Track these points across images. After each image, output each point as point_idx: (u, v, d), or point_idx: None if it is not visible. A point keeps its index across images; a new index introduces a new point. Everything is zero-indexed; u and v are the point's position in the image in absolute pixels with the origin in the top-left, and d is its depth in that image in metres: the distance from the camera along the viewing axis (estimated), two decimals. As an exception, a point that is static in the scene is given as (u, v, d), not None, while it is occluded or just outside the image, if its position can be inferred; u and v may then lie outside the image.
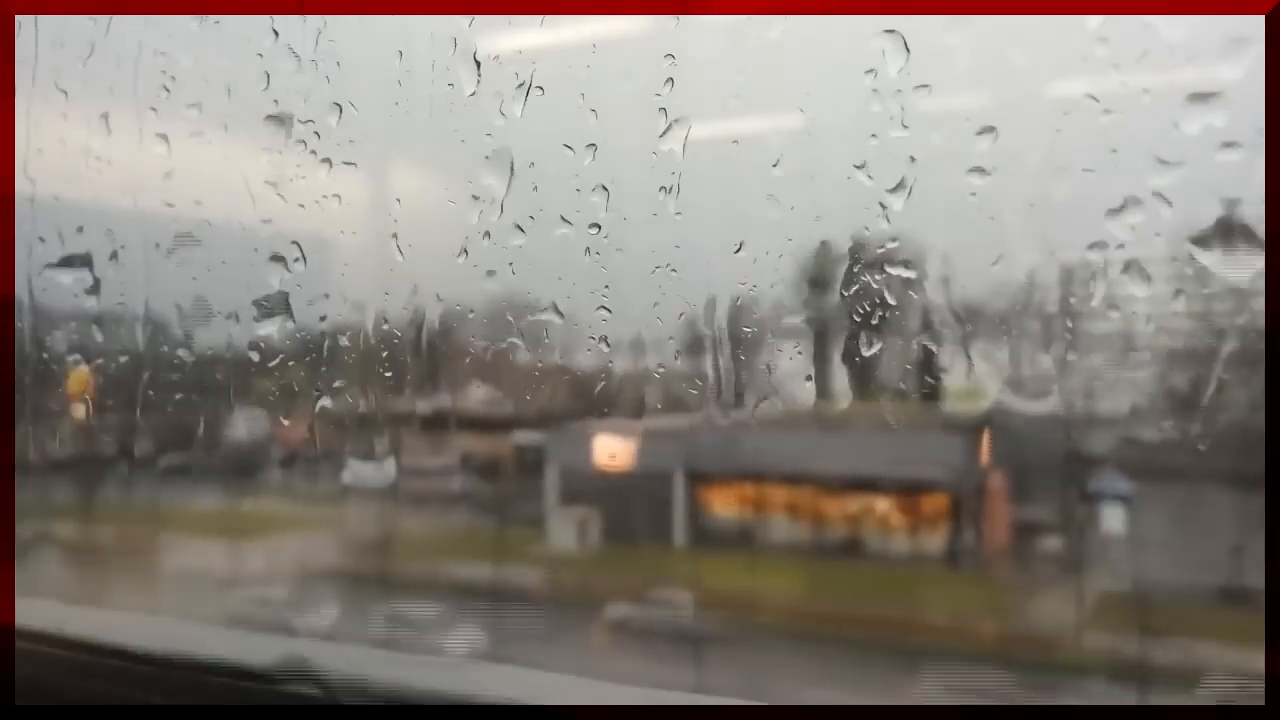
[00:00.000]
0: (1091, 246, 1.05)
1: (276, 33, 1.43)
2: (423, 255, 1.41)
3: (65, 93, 1.64)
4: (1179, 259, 1.03)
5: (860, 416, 1.29)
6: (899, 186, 1.12)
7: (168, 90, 1.52)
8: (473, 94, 1.30)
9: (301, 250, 1.46)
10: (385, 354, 1.47)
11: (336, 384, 1.52)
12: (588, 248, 1.28)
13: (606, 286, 1.29)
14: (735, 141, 1.19)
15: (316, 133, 1.42)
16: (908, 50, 1.09)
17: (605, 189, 1.26)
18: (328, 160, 1.42)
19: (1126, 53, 0.98)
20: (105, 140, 1.61)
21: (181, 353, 1.61)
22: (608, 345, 1.33)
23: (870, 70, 1.10)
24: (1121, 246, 1.03)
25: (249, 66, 1.46)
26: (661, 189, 1.23)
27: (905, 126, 1.10)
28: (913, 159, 1.11)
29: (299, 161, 1.43)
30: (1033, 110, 1.08)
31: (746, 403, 1.33)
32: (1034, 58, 1.07)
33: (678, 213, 1.23)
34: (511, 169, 1.30)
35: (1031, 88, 1.09)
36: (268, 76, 1.45)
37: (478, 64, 1.30)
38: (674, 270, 1.26)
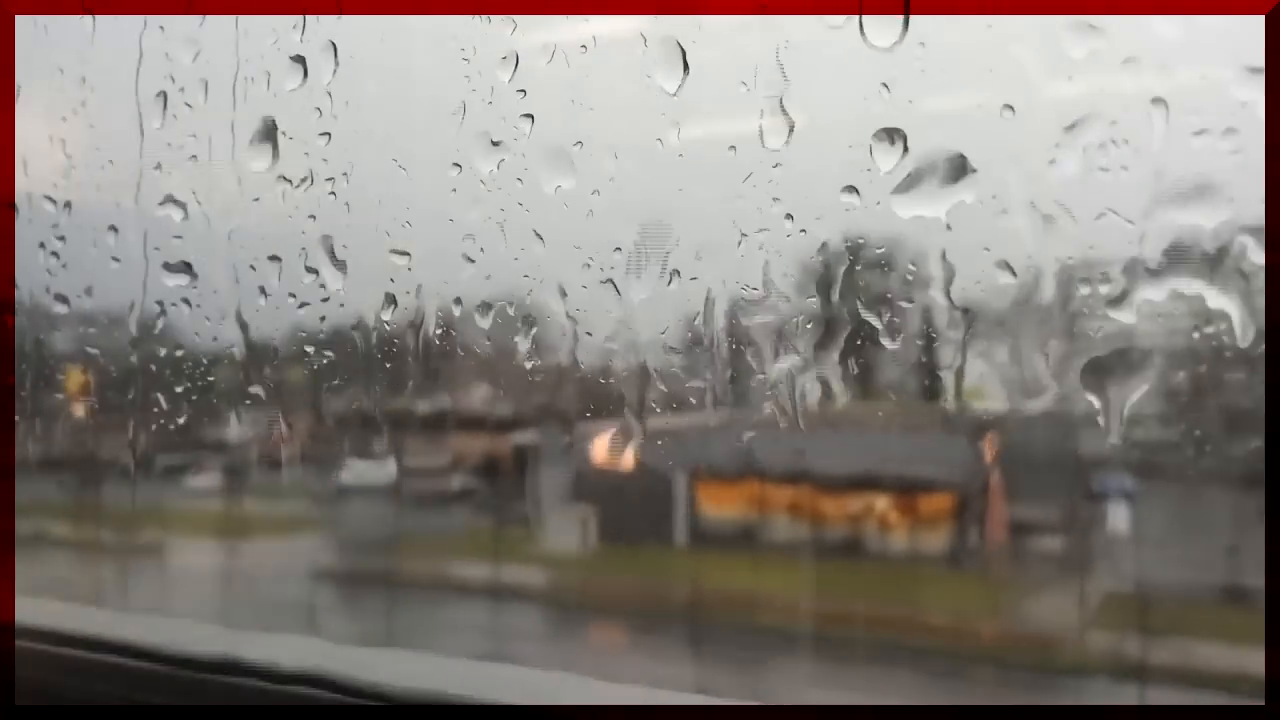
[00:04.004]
0: (1092, 246, 1.05)
1: (276, 33, 1.43)
2: (423, 256, 1.41)
3: (65, 93, 1.65)
4: (1179, 258, 1.03)
5: (860, 416, 1.29)
6: (899, 186, 1.12)
7: (167, 91, 1.53)
8: (470, 93, 1.30)
9: (301, 251, 1.46)
10: (385, 355, 1.47)
11: (336, 384, 1.52)
12: (587, 247, 1.28)
13: (609, 283, 1.29)
14: (733, 145, 1.19)
15: (317, 133, 1.42)
16: (908, 49, 1.09)
17: (602, 190, 1.26)
18: (327, 160, 1.42)
19: (1126, 53, 0.98)
20: (105, 140, 1.61)
21: (180, 353, 1.61)
22: (611, 344, 1.33)
23: (871, 69, 1.10)
24: (1122, 246, 1.03)
25: (249, 66, 1.46)
26: (661, 189, 1.23)
27: (905, 126, 1.10)
28: (911, 153, 1.10)
29: (299, 162, 1.44)
30: (1033, 110, 1.08)
31: (746, 403, 1.33)
32: (1034, 58, 1.07)
33: (675, 204, 1.23)
34: (510, 169, 1.30)
35: (1031, 88, 1.09)
36: (268, 76, 1.45)
37: (477, 64, 1.30)
38: (674, 270, 1.26)
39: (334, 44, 1.40)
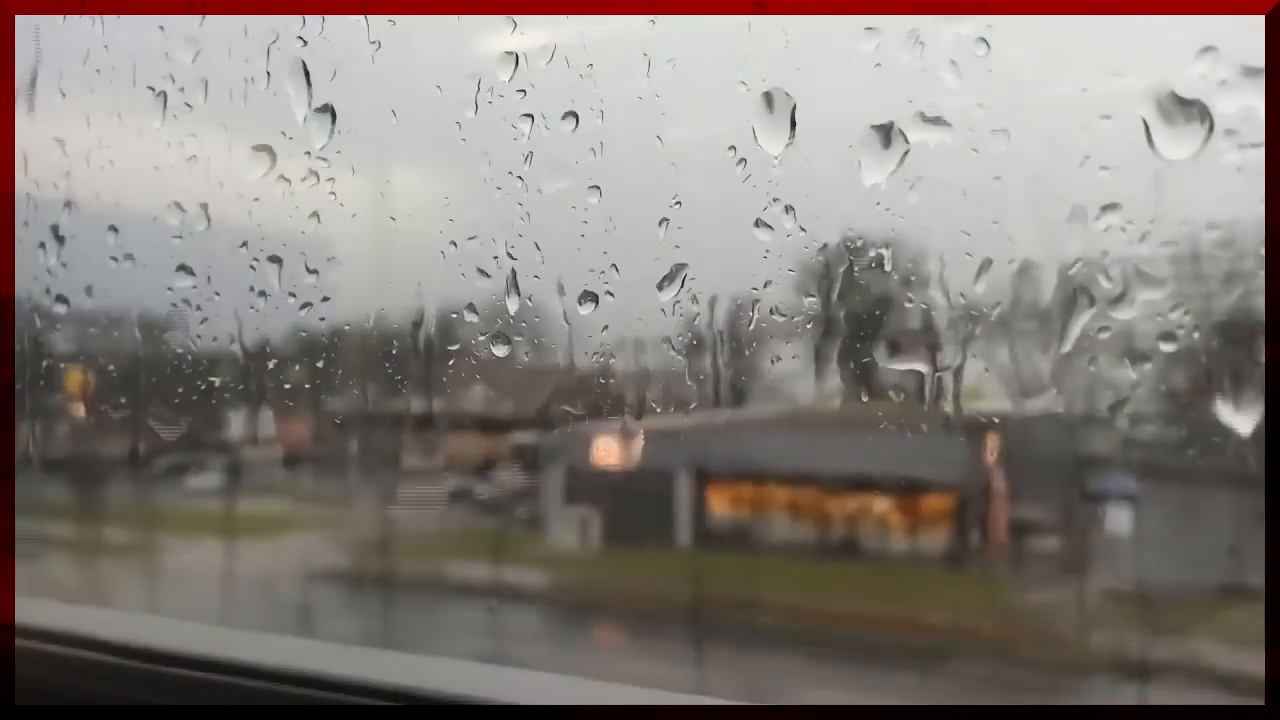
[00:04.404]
0: (1092, 246, 1.05)
1: (276, 34, 1.43)
2: (422, 256, 1.41)
3: (64, 93, 1.65)
4: (1179, 259, 1.03)
5: (860, 416, 1.29)
6: (899, 186, 1.12)
7: (167, 91, 1.53)
8: (471, 94, 1.30)
9: (301, 251, 1.47)
10: (385, 355, 1.48)
11: (336, 384, 1.52)
12: (587, 247, 1.28)
13: (607, 288, 1.29)
14: (733, 145, 1.19)
15: (317, 133, 1.42)
16: (909, 50, 1.09)
17: (603, 188, 1.26)
18: (327, 161, 1.42)
19: (1126, 53, 0.98)
20: (105, 140, 1.62)
21: (179, 351, 1.61)
22: (606, 344, 1.33)
23: (870, 69, 1.10)
24: (1121, 246, 1.03)
25: (249, 66, 1.46)
26: (661, 188, 1.23)
27: (905, 126, 1.10)
28: (911, 153, 1.10)
29: (298, 162, 1.44)
30: (1033, 110, 1.08)
31: (746, 403, 1.33)
32: (1034, 58, 1.07)
33: (675, 203, 1.23)
34: (509, 168, 1.30)
35: (1031, 88, 1.09)
36: (268, 76, 1.45)
37: (476, 64, 1.30)
38: (674, 270, 1.26)
39: (334, 44, 1.40)
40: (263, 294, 1.50)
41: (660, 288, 1.26)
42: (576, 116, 1.25)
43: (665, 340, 1.30)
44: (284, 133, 1.44)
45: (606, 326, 1.31)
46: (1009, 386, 1.19)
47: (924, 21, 1.08)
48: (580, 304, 1.30)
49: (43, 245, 1.67)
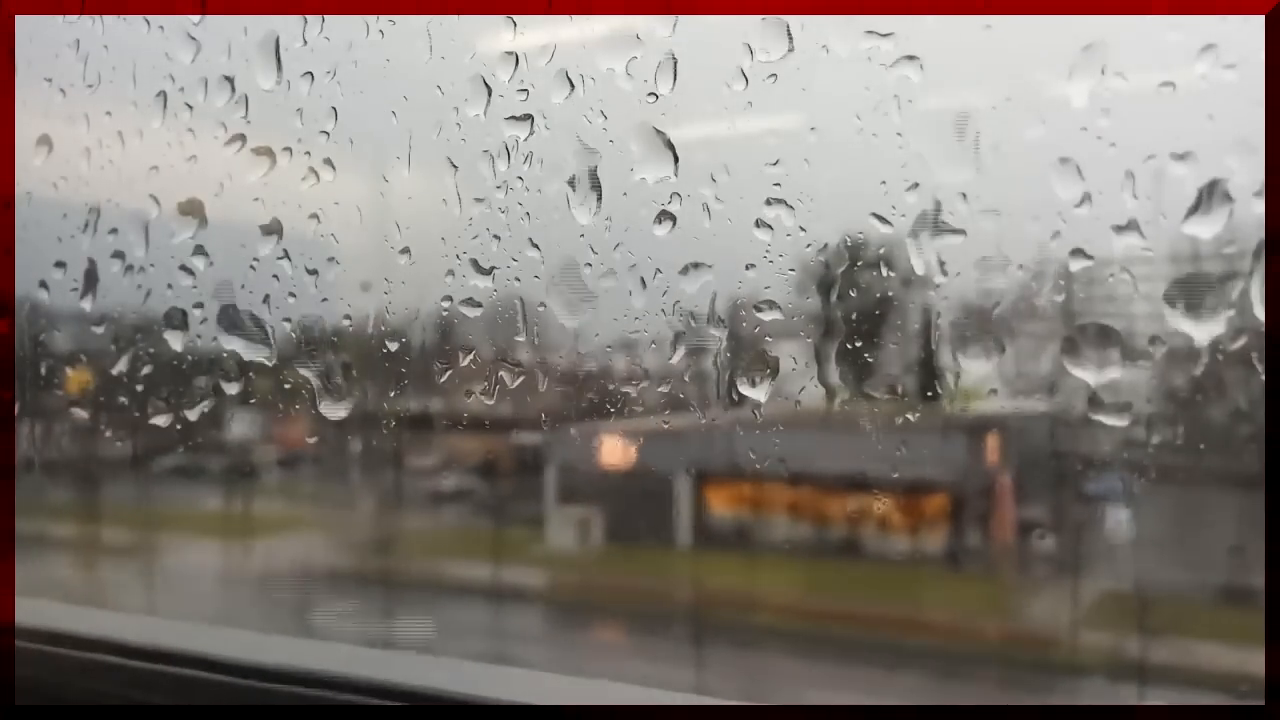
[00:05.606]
0: (1091, 246, 1.06)
1: (277, 32, 1.43)
2: (422, 257, 1.41)
3: (65, 92, 1.65)
4: (1179, 259, 1.03)
5: (860, 416, 1.29)
6: (899, 186, 1.12)
7: (167, 91, 1.53)
8: (472, 94, 1.31)
9: (301, 251, 1.47)
10: (384, 355, 1.48)
11: (335, 385, 1.52)
12: (587, 247, 1.28)
13: (606, 289, 1.29)
14: (735, 142, 1.19)
15: (317, 133, 1.42)
16: (908, 50, 1.09)
17: (603, 188, 1.26)
18: (328, 161, 1.42)
19: (1126, 53, 0.98)
20: (104, 140, 1.61)
21: (178, 348, 1.61)
22: (608, 346, 1.33)
23: (870, 70, 1.11)
24: (1122, 246, 1.03)
25: (249, 67, 1.46)
26: (660, 189, 1.23)
27: (903, 127, 1.10)
28: (902, 147, 1.11)
29: (298, 162, 1.44)
30: (1033, 110, 1.08)
31: (746, 403, 1.33)
32: (1034, 58, 1.07)
33: (675, 203, 1.23)
34: (509, 168, 1.31)
35: (1031, 88, 1.09)
36: (270, 76, 1.45)
37: (476, 64, 1.30)
38: (675, 270, 1.26)
39: (334, 44, 1.40)
40: (265, 297, 1.50)
41: (662, 288, 1.26)
42: (576, 118, 1.25)
43: (665, 340, 1.30)
44: (284, 133, 1.44)
45: (598, 333, 1.32)
46: (1009, 386, 1.20)
47: (924, 22, 1.09)
48: (581, 305, 1.30)
49: (42, 246, 1.67)
